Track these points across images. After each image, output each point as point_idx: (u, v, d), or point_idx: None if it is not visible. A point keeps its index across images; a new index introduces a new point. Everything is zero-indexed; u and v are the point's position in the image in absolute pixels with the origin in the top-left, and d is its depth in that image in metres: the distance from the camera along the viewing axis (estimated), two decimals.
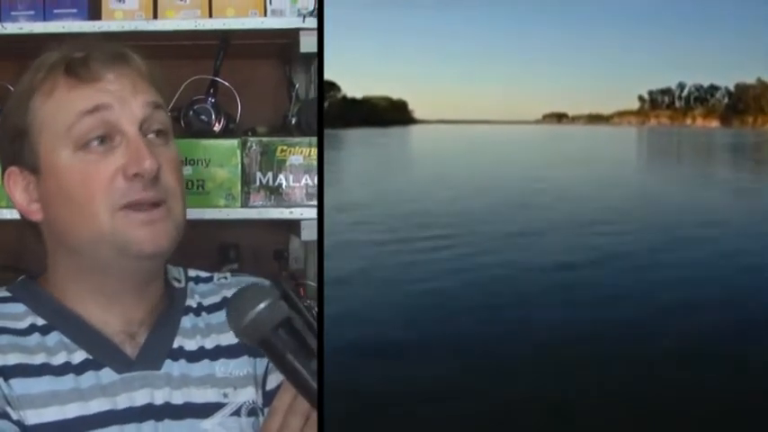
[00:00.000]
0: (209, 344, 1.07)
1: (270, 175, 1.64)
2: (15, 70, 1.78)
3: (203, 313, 1.11)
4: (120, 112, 0.99)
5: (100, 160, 0.98)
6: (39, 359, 0.98)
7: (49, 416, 0.96)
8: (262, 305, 0.83)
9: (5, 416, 0.94)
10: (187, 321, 1.08)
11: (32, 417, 0.95)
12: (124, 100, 1.00)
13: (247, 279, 1.17)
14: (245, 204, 1.65)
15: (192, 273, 1.16)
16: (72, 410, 0.97)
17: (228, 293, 1.13)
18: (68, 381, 0.98)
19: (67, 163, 0.99)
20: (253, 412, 1.06)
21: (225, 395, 1.05)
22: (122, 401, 0.99)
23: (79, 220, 0.99)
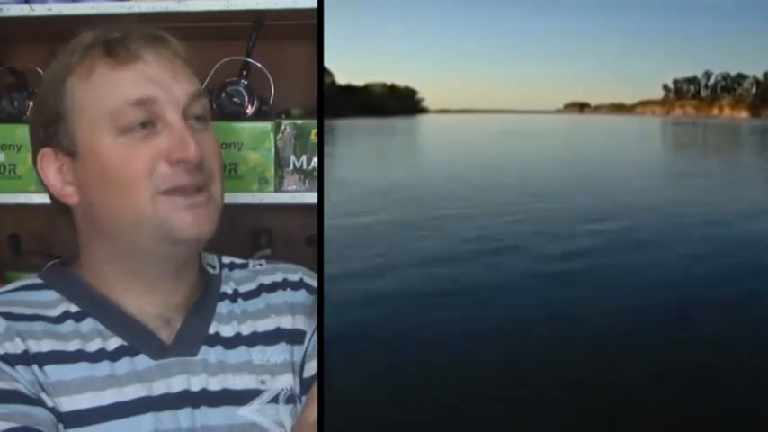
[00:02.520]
0: (245, 330, 1.06)
1: (304, 158, 1.61)
2: (44, 53, 1.78)
3: (239, 300, 1.10)
4: (165, 102, 0.98)
5: (141, 144, 0.97)
6: (73, 346, 0.97)
7: (84, 402, 0.95)
8: None
9: (41, 402, 0.93)
10: (223, 307, 1.07)
11: (67, 404, 0.94)
12: (167, 87, 0.99)
13: (283, 266, 1.16)
14: (278, 188, 1.61)
15: (227, 259, 1.15)
16: (108, 397, 0.96)
17: (265, 280, 1.13)
18: (104, 367, 0.97)
19: (109, 146, 0.97)
20: (290, 399, 1.04)
21: (262, 382, 1.04)
22: (158, 388, 0.98)
23: (119, 203, 0.97)
